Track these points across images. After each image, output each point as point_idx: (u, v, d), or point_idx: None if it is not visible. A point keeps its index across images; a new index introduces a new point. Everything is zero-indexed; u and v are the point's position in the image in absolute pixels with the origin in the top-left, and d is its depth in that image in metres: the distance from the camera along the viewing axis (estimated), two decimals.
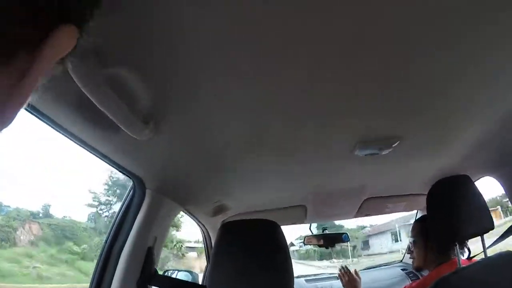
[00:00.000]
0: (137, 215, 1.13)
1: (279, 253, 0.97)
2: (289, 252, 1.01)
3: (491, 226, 1.13)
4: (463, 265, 1.12)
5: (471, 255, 1.38)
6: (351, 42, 0.63)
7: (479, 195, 1.16)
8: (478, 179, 1.60)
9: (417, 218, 2.47)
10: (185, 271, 1.79)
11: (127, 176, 1.08)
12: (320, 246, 2.38)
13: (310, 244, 2.42)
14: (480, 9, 0.58)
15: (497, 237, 1.45)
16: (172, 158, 1.07)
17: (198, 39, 0.58)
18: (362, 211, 2.12)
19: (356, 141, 1.10)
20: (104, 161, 0.93)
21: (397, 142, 1.13)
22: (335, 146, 1.14)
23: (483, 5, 0.57)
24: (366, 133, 1.06)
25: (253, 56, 0.64)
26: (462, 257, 1.45)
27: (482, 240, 1.19)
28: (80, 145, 0.82)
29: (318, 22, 0.56)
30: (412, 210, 2.45)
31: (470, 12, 0.59)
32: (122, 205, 1.16)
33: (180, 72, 0.67)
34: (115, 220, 1.14)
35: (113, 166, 0.98)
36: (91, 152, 0.87)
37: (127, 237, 1.10)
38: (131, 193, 1.15)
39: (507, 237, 1.55)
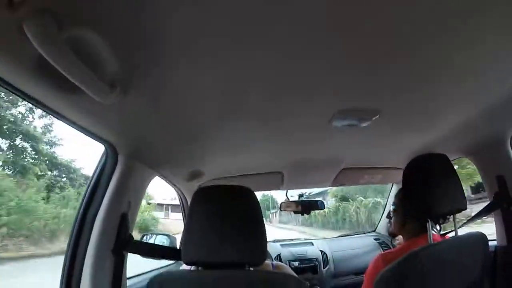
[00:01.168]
0: (110, 181, 1.11)
1: (252, 218, 0.98)
2: (262, 217, 1.02)
3: (463, 207, 1.16)
4: (434, 242, 1.16)
5: (442, 233, 1.44)
6: (333, 18, 0.62)
7: (454, 175, 1.18)
8: (455, 159, 1.65)
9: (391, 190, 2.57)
10: (163, 234, 1.81)
11: (98, 141, 1.04)
12: (296, 212, 2.44)
13: (287, 210, 2.46)
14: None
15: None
16: (144, 124, 1.04)
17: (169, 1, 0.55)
18: (338, 181, 2.17)
19: (335, 112, 1.10)
20: (73, 127, 0.89)
21: (377, 116, 1.14)
22: (314, 115, 1.14)
23: None
24: (345, 104, 1.06)
25: (229, 23, 0.62)
26: (435, 232, 1.52)
27: (454, 219, 1.23)
28: (45, 111, 0.78)
29: None
30: (388, 182, 2.54)
31: (455, 6, 0.61)
32: (94, 171, 1.13)
33: (148, 33, 0.63)
34: (88, 186, 1.11)
35: (82, 132, 0.94)
36: (58, 118, 0.82)
37: (101, 203, 1.08)
38: (103, 159, 1.13)
39: (479, 218, 1.64)
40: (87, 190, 1.11)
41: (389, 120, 1.20)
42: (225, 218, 0.96)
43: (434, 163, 1.20)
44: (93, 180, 1.11)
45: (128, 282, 1.27)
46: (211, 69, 0.79)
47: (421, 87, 0.98)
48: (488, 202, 1.49)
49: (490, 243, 1.18)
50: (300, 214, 2.47)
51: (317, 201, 2.44)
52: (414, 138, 1.48)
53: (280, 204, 2.47)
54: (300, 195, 2.56)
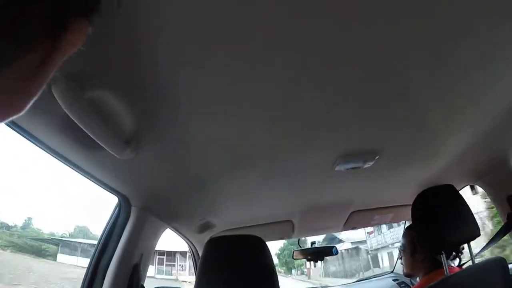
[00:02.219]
0: (123, 232, 1.14)
1: (265, 268, 0.98)
2: (274, 267, 1.02)
3: (477, 234, 1.13)
4: (451, 273, 1.12)
5: (460, 264, 1.38)
6: (331, 56, 0.66)
7: (463, 204, 1.17)
8: (463, 187, 1.64)
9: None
10: (173, 287, 1.77)
11: (112, 193, 1.08)
12: (309, 260, 2.38)
13: (299, 258, 2.42)
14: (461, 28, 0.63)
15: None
16: (156, 176, 1.08)
17: (178, 58, 0.61)
18: (349, 224, 2.14)
19: (337, 156, 1.13)
20: (89, 179, 0.94)
21: (378, 156, 1.17)
22: (317, 161, 1.17)
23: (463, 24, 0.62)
24: (347, 148, 1.09)
25: (233, 74, 0.67)
26: (453, 264, 1.46)
27: (469, 248, 1.20)
28: (65, 164, 0.84)
29: (301, 30, 0.58)
30: (399, 221, 2.45)
31: (449, 35, 0.64)
32: (108, 222, 1.16)
33: (160, 92, 0.70)
34: (101, 237, 1.14)
35: (98, 184, 0.99)
36: (76, 171, 0.88)
37: (113, 254, 1.10)
38: (116, 210, 1.16)
39: (495, 242, 1.59)
40: (100, 240, 1.13)
41: (392, 158, 1.22)
42: (237, 268, 0.96)
43: (441, 194, 1.19)
44: (106, 231, 1.14)
45: None
46: (220, 126, 0.85)
47: (420, 122, 1.00)
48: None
49: (510, 265, 1.13)
50: (313, 262, 2.40)
51: (330, 247, 2.39)
52: (419, 172, 1.48)
53: (293, 253, 2.42)
54: (313, 243, 2.52)
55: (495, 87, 0.89)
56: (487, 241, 1.54)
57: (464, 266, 1.32)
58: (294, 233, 2.18)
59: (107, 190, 1.05)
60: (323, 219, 2.04)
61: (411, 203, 1.22)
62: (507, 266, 1.12)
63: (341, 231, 2.31)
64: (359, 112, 0.89)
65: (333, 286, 2.66)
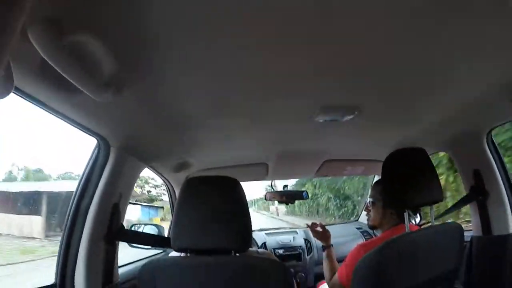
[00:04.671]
0: (102, 173, 1.14)
1: (238, 207, 1.02)
2: (247, 207, 1.06)
3: (440, 198, 1.21)
4: (411, 230, 1.21)
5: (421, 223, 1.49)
6: (315, 24, 0.66)
7: (431, 168, 1.23)
8: (434, 153, 1.72)
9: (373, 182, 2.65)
10: (151, 224, 1.84)
11: (91, 136, 1.07)
12: (280, 202, 2.49)
13: (271, 200, 2.52)
14: None
15: None
16: (135, 118, 1.08)
17: (159, 0, 0.59)
18: (321, 172, 2.23)
19: (317, 107, 1.15)
20: (68, 123, 0.92)
21: (357, 112, 1.19)
22: (296, 110, 1.19)
23: None
24: (327, 100, 1.11)
25: (214, 21, 0.65)
26: (413, 222, 1.58)
27: (431, 210, 1.26)
28: (43, 109, 0.81)
29: None
30: (370, 174, 2.61)
31: (433, 11, 0.64)
32: (87, 164, 1.15)
33: (142, 36, 0.68)
34: (81, 179, 1.14)
35: (77, 127, 0.97)
36: (53, 114, 0.85)
37: (94, 195, 1.12)
38: (95, 152, 1.15)
39: (455, 209, 1.72)
40: (80, 182, 1.14)
41: (370, 115, 1.25)
42: (212, 207, 1.00)
43: (412, 156, 1.24)
44: (86, 173, 1.14)
45: (120, 271, 1.31)
46: (200, 69, 0.84)
47: (400, 86, 1.03)
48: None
49: (466, 233, 1.24)
50: (284, 204, 2.53)
51: (301, 191, 2.50)
52: (394, 132, 1.54)
53: (265, 194, 2.50)
54: (285, 186, 2.62)
55: (474, 65, 0.91)
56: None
57: (423, 227, 1.42)
58: (268, 175, 2.26)
59: (86, 133, 1.03)
60: (297, 165, 2.12)
61: (383, 160, 1.26)
62: (463, 232, 1.21)
63: (314, 177, 2.43)
64: (341, 68, 0.89)
65: (301, 228, 2.84)
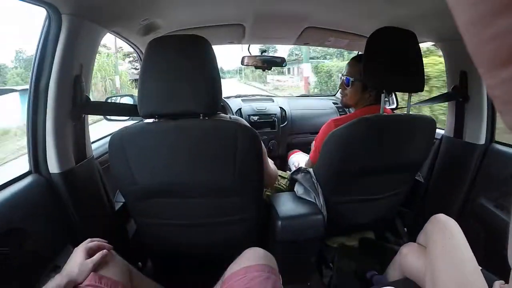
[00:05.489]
0: (57, 45, 1.02)
1: (207, 69, 0.98)
2: (217, 69, 1.02)
3: (420, 88, 1.19)
4: (386, 113, 1.22)
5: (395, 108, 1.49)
6: None
7: (418, 55, 1.16)
8: (423, 42, 1.59)
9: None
10: (128, 95, 1.77)
11: (37, 5, 0.91)
12: (257, 67, 2.39)
13: (248, 65, 2.39)
14: None
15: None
16: None
17: None
18: (302, 39, 2.09)
19: None
20: None
21: None
22: None
23: None
24: None
25: None
26: (388, 106, 1.58)
27: (409, 98, 1.26)
28: None
29: None
30: (353, 49, 2.45)
31: None
32: (39, 38, 1.02)
33: None
34: (35, 56, 1.02)
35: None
36: None
37: (51, 69, 1.02)
38: (46, 23, 1.01)
39: (432, 103, 1.72)
40: (35, 59, 1.02)
41: None
42: (179, 68, 0.94)
43: (400, 37, 1.16)
44: (40, 47, 1.01)
45: (93, 146, 1.32)
46: None
47: None
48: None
49: (438, 131, 1.26)
50: (261, 70, 2.44)
51: (280, 57, 2.37)
52: (386, 9, 1.38)
53: (242, 58, 2.37)
54: (263, 51, 2.48)
55: None
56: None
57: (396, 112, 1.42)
58: (244, 38, 2.10)
59: (30, 3, 0.87)
60: (276, 29, 1.94)
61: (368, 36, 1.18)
62: (435, 127, 1.24)
63: (294, 44, 2.28)
64: None
65: (277, 96, 2.85)
